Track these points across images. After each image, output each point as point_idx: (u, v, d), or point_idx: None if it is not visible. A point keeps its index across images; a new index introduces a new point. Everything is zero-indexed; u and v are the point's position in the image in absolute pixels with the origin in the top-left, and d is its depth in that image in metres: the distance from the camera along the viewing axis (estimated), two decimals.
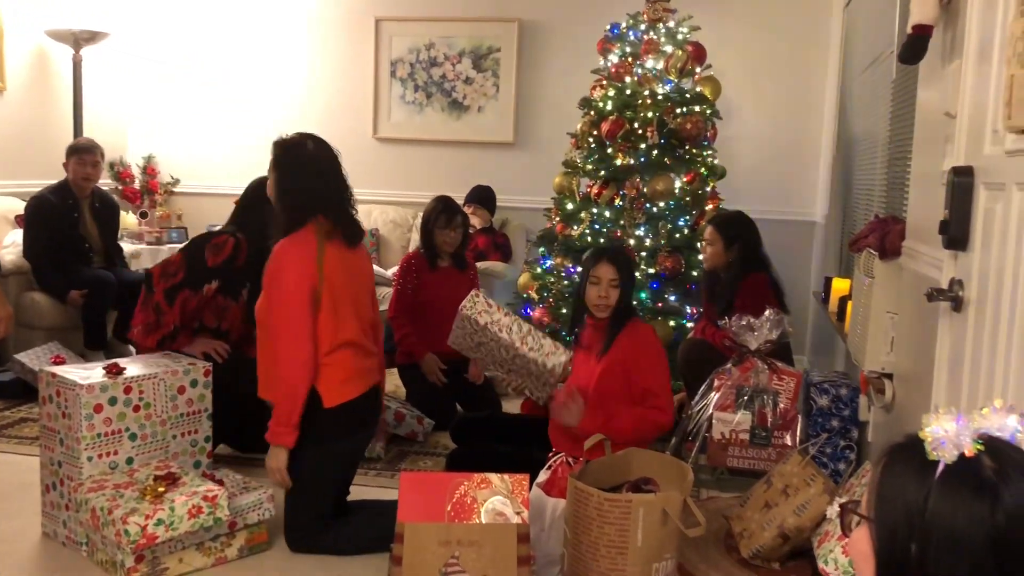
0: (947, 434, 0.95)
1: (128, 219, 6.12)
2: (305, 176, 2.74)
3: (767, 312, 3.44)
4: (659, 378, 2.90)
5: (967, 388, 1.85)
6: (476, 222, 5.46)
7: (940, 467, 0.95)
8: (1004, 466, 0.94)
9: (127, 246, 5.63)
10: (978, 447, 0.94)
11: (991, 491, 0.92)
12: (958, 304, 1.93)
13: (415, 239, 5.61)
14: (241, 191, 3.60)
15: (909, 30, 2.24)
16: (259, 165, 5.84)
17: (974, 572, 0.93)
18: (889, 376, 2.71)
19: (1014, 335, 1.59)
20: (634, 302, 4.50)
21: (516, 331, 2.78)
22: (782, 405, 3.37)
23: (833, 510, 2.64)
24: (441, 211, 4.16)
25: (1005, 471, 0.93)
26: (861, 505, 1.03)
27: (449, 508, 2.27)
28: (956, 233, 1.91)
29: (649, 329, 3.03)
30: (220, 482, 2.76)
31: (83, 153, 4.82)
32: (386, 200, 6.08)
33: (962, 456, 0.94)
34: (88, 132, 5.64)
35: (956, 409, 0.97)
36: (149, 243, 6.03)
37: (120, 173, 6.33)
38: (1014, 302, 1.60)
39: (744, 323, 3.44)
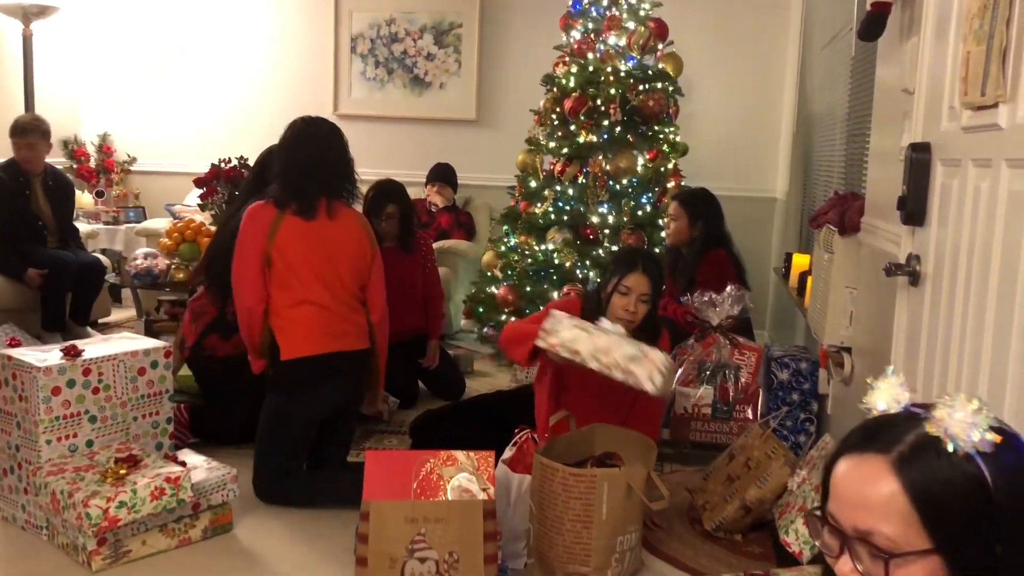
0: (963, 421, 0.92)
1: (84, 199, 6.01)
2: (281, 152, 2.99)
3: (728, 288, 3.48)
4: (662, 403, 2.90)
5: (924, 361, 1.89)
6: (439, 200, 5.44)
7: (978, 458, 0.91)
8: (1006, 432, 0.94)
9: (83, 226, 5.52)
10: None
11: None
12: (915, 279, 1.96)
13: None
14: (200, 169, 3.54)
15: (868, 7, 2.26)
16: (218, 143, 5.78)
17: None
18: (848, 350, 2.75)
19: (969, 308, 1.62)
20: (599, 280, 4.55)
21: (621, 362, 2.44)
22: (743, 379, 3.41)
23: (794, 482, 2.68)
24: (371, 201, 4.02)
25: (1011, 436, 0.94)
26: (881, 535, 0.91)
27: (415, 486, 2.28)
28: (913, 209, 1.93)
29: (667, 337, 2.95)
30: (183, 463, 2.73)
31: (17, 136, 4.65)
32: None
33: (996, 440, 0.91)
34: (40, 109, 5.51)
35: (950, 396, 0.94)
36: (106, 223, 5.93)
37: (75, 152, 6.19)
38: (969, 276, 1.63)
39: (706, 299, 3.47)
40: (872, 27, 2.28)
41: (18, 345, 3.19)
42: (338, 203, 2.95)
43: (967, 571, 0.91)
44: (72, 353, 2.73)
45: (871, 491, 0.93)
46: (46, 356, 2.71)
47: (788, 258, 4.32)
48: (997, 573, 0.90)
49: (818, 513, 1.00)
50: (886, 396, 1.01)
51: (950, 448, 0.91)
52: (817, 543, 1.00)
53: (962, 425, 0.91)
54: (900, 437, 0.94)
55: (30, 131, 4.68)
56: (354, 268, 2.97)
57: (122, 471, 2.53)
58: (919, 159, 1.91)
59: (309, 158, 2.90)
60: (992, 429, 0.91)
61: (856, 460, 0.96)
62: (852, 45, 3.49)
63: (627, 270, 2.74)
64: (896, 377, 1.02)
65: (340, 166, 2.97)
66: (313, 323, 2.87)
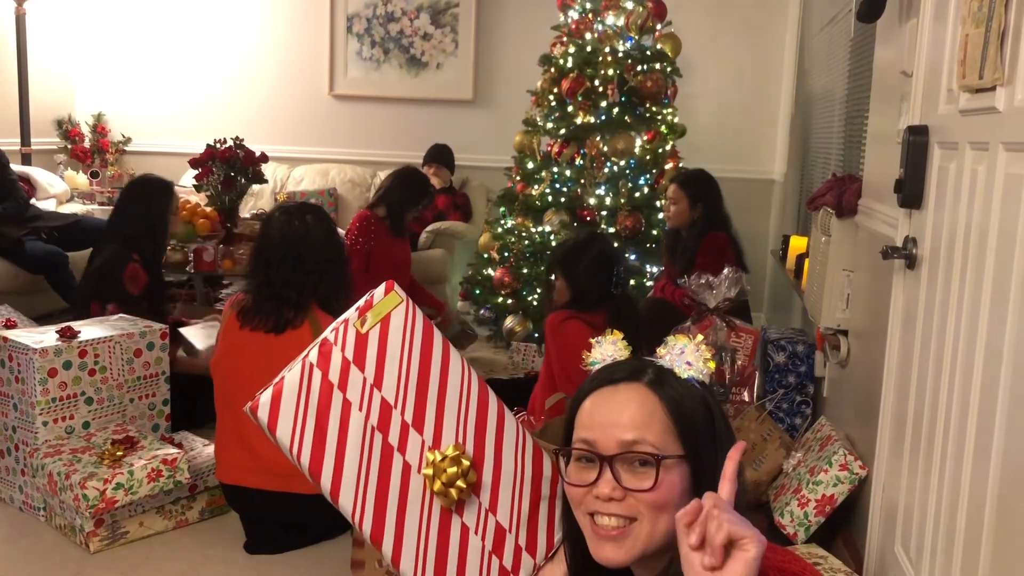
0: (691, 352, 1.14)
1: (78, 179, 5.98)
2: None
3: (726, 270, 3.47)
4: None
5: (919, 343, 1.89)
6: (436, 182, 5.41)
7: (699, 386, 1.13)
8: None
9: (78, 207, 5.50)
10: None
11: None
12: (912, 261, 1.96)
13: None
14: (196, 150, 3.45)
15: None
16: (214, 123, 5.75)
17: None
18: (844, 332, 2.75)
19: (965, 291, 1.62)
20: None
21: None
22: (740, 362, 3.42)
23: (789, 464, 2.68)
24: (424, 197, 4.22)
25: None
26: (646, 443, 1.06)
27: None
28: (911, 192, 1.93)
29: None
30: (179, 445, 2.74)
31: None
32: (343, 159, 6.00)
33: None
34: (34, 88, 5.48)
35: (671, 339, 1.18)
36: (101, 203, 5.90)
37: (69, 132, 6.16)
38: (966, 259, 1.63)
39: (703, 281, 3.47)
40: (871, 8, 2.27)
41: (14, 326, 3.19)
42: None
43: (701, 479, 1.05)
44: (68, 334, 2.73)
45: (635, 408, 1.08)
46: (42, 338, 2.71)
47: (785, 240, 4.31)
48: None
49: (569, 447, 1.12)
50: (605, 352, 1.20)
51: (684, 375, 1.12)
52: (568, 481, 1.10)
53: (693, 355, 1.13)
54: (642, 370, 1.12)
55: None
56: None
57: (119, 453, 2.54)
58: (917, 142, 1.91)
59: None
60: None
61: (609, 391, 1.11)
62: (851, 26, 3.47)
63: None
64: (613, 336, 1.22)
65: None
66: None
